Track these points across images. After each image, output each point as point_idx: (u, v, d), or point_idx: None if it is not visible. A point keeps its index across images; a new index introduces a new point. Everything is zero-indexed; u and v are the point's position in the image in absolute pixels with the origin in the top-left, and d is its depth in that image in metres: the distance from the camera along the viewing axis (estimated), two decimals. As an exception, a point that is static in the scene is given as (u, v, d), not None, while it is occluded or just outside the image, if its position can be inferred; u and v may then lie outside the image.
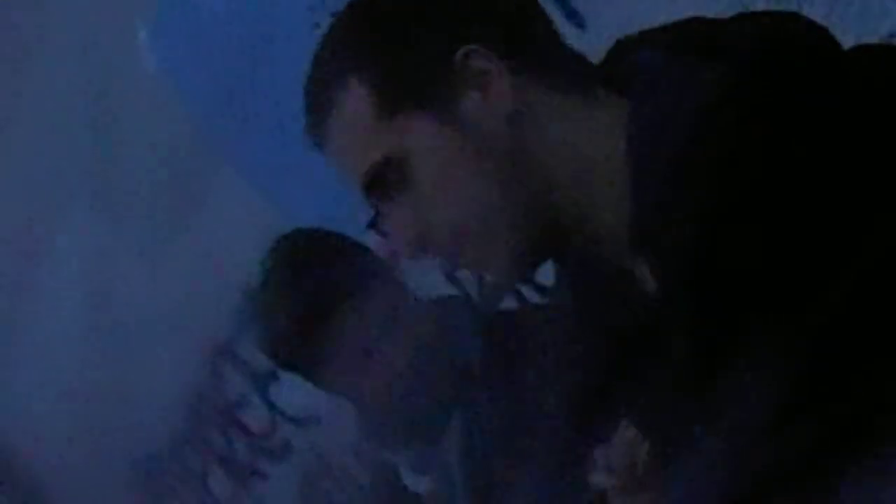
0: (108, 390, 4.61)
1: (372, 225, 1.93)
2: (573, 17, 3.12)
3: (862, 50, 1.64)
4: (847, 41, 1.65)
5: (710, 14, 1.71)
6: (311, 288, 2.42)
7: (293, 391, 4.15)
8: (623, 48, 1.72)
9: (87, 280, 4.57)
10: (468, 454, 2.45)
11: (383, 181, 1.64)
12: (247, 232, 3.93)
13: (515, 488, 2.28)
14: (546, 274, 1.91)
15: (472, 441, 2.44)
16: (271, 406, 4.31)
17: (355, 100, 1.65)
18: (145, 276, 4.44)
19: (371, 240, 3.16)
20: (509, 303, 2.92)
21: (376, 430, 2.62)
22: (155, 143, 4.23)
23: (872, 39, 2.65)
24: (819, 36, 1.61)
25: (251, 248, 4.05)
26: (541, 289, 2.66)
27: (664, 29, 1.70)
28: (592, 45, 2.88)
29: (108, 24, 4.15)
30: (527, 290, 2.83)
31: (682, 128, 1.53)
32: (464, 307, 2.75)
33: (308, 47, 3.74)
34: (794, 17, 1.63)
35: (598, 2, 3.12)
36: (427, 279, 2.84)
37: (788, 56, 1.56)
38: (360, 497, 4.15)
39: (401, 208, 1.65)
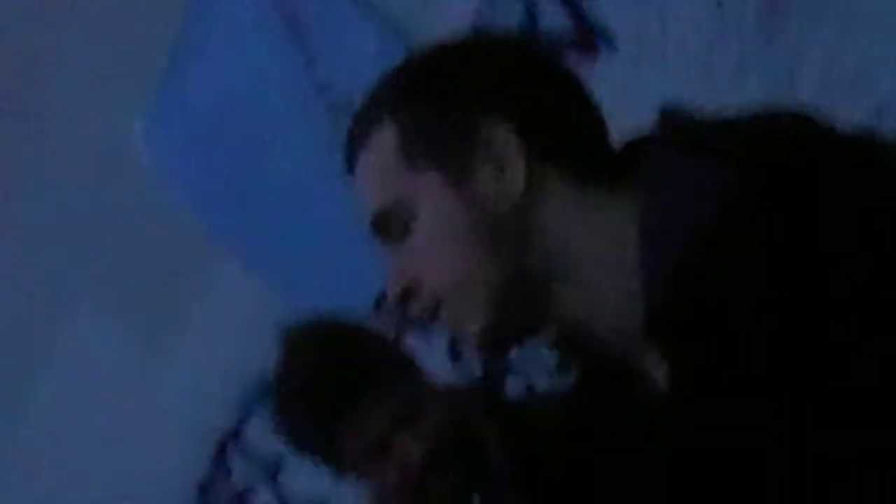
0: (118, 489, 4.59)
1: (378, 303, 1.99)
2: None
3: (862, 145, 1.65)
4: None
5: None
6: (330, 378, 2.39)
7: (301, 478, 4.16)
8: (634, 147, 1.72)
9: (91, 379, 4.58)
10: None
11: (388, 224, 1.67)
12: (251, 321, 4.06)
13: None
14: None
15: None
16: (280, 494, 4.28)
17: (384, 137, 1.67)
18: (150, 370, 4.45)
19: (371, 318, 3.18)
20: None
21: None
22: (154, 237, 4.26)
23: (865, 108, 2.69)
24: (828, 138, 1.60)
25: (256, 337, 3.83)
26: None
27: (676, 128, 1.70)
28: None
29: (104, 122, 4.21)
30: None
31: (694, 228, 1.54)
32: (476, 393, 2.72)
33: (302, 138, 3.78)
34: (807, 120, 1.63)
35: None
36: (430, 360, 2.83)
37: (799, 160, 1.55)
38: None
39: (397, 255, 1.68)
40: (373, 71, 3.18)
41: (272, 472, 4.30)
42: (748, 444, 1.54)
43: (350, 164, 1.74)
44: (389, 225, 1.68)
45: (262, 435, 4.19)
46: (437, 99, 1.67)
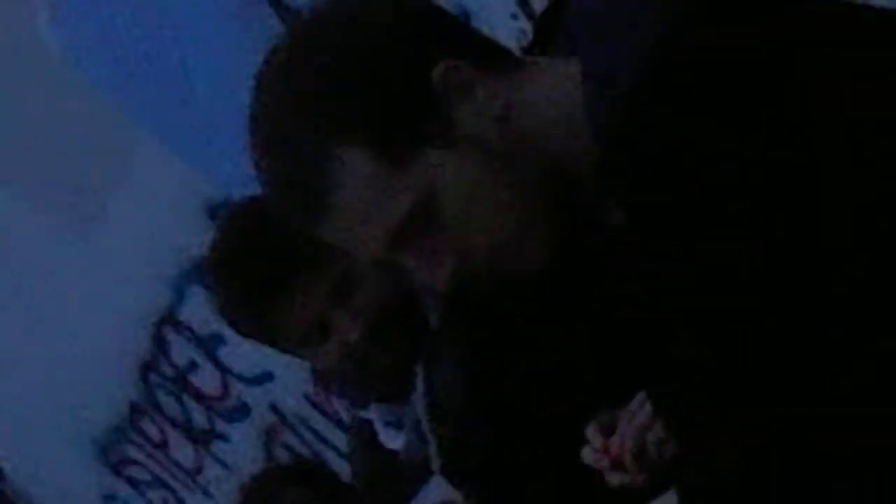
0: (56, 372, 4.66)
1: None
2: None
3: None
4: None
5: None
6: (264, 258, 2.34)
7: (242, 350, 4.17)
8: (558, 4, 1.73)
9: (14, 268, 4.59)
10: (432, 409, 2.38)
11: (413, 229, 1.60)
12: (175, 202, 4.08)
13: (486, 449, 2.29)
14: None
15: (435, 398, 2.37)
16: (222, 368, 4.35)
17: (355, 167, 1.60)
18: (77, 257, 4.46)
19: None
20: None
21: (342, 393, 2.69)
22: (70, 125, 4.25)
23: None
24: None
25: (182, 217, 4.07)
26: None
27: None
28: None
29: (8, 12, 4.17)
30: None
31: (633, 68, 1.54)
32: None
33: (211, 12, 3.75)
34: None
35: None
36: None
37: None
38: (324, 447, 4.26)
39: (433, 248, 1.62)
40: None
41: (212, 348, 4.37)
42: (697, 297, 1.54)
43: (320, 223, 1.64)
44: (414, 229, 1.61)
45: (199, 313, 4.27)
46: (381, 92, 1.61)
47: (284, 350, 2.52)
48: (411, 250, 1.61)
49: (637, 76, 1.55)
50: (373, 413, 2.52)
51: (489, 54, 1.65)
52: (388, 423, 2.50)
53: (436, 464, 2.39)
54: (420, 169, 1.61)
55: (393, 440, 2.50)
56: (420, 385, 2.36)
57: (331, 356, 2.37)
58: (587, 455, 1.98)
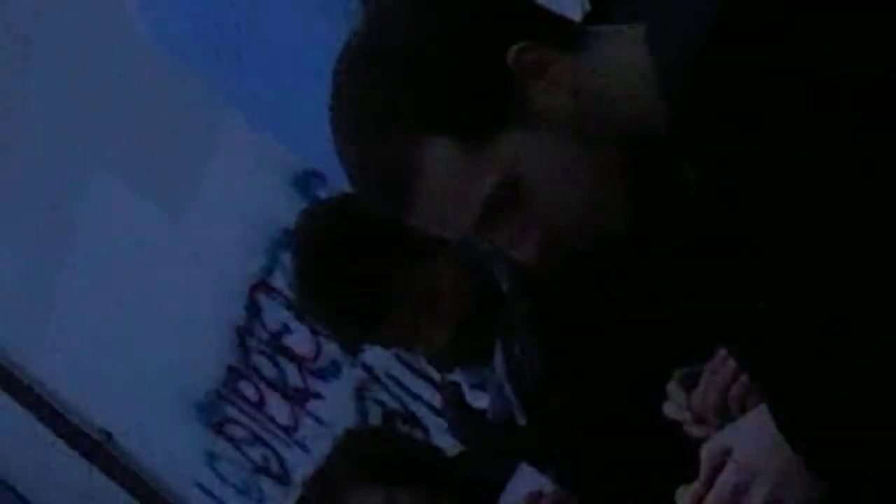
0: (157, 341, 4.76)
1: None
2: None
3: None
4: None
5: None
6: (355, 280, 2.37)
7: None
8: None
9: (115, 242, 4.67)
10: (511, 376, 2.48)
11: (499, 208, 1.64)
12: (262, 175, 4.18)
13: (566, 408, 2.34)
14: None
15: (514, 364, 2.47)
16: (314, 330, 4.38)
17: (439, 153, 1.63)
18: (172, 227, 4.53)
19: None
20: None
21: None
22: (161, 107, 4.31)
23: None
24: None
25: (269, 185, 4.19)
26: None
27: None
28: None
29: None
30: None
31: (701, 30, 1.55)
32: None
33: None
34: None
35: None
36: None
37: None
38: (414, 401, 4.32)
39: (521, 224, 1.65)
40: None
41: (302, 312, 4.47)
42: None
43: (408, 211, 1.66)
44: (501, 207, 1.64)
45: (289, 279, 4.46)
46: (458, 78, 1.62)
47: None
48: (499, 228, 1.65)
49: (707, 41, 1.54)
50: (458, 376, 2.60)
51: (557, 31, 1.67)
52: (473, 386, 2.57)
53: (521, 420, 2.49)
54: (501, 151, 1.63)
55: (479, 400, 2.58)
56: (499, 352, 2.46)
57: (425, 350, 2.46)
58: (669, 409, 2.02)
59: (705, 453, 1.75)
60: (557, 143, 1.64)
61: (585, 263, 1.92)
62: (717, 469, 1.73)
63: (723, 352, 1.98)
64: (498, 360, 2.49)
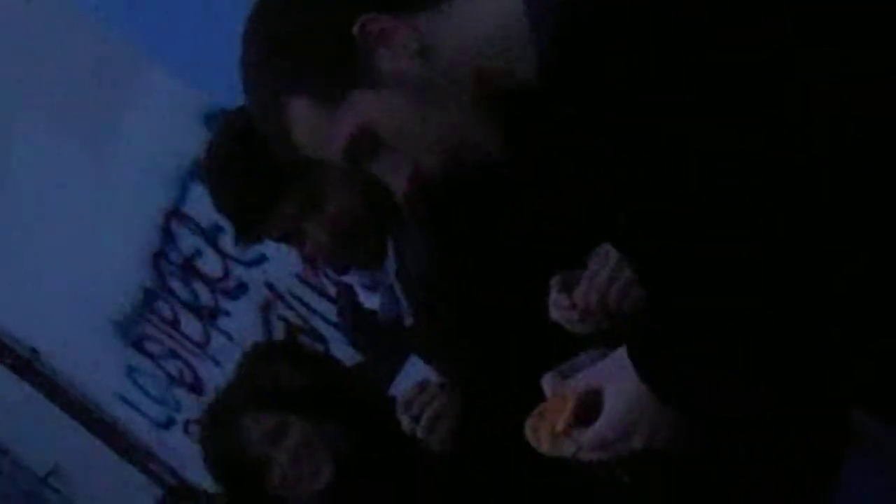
0: (80, 266, 4.81)
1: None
2: None
3: None
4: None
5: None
6: (252, 170, 2.39)
7: None
8: None
9: (46, 180, 4.72)
10: (401, 275, 2.50)
11: (362, 150, 1.74)
12: (176, 115, 4.27)
13: (451, 310, 2.39)
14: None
15: (403, 267, 2.49)
16: (223, 254, 4.50)
17: (298, 112, 1.75)
18: (97, 166, 4.59)
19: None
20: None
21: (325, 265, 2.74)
22: (86, 60, 4.38)
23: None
24: None
25: (181, 123, 4.26)
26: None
27: None
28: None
29: None
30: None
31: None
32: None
33: None
34: None
35: None
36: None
37: None
38: (314, 317, 4.42)
39: (388, 162, 1.75)
40: None
41: (213, 237, 4.50)
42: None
43: (290, 153, 1.78)
44: (364, 150, 1.74)
45: (200, 207, 4.39)
46: (311, 50, 1.72)
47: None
48: (372, 167, 1.75)
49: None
50: (351, 278, 2.62)
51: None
52: (365, 287, 2.61)
53: (408, 320, 2.54)
54: (352, 108, 1.72)
55: (370, 300, 2.61)
56: (391, 255, 2.50)
57: (308, 252, 2.49)
58: (554, 312, 2.07)
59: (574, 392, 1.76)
60: (406, 98, 1.71)
61: (461, 184, 1.96)
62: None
63: (599, 254, 2.04)
64: (390, 261, 2.52)
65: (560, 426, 1.75)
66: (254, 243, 2.57)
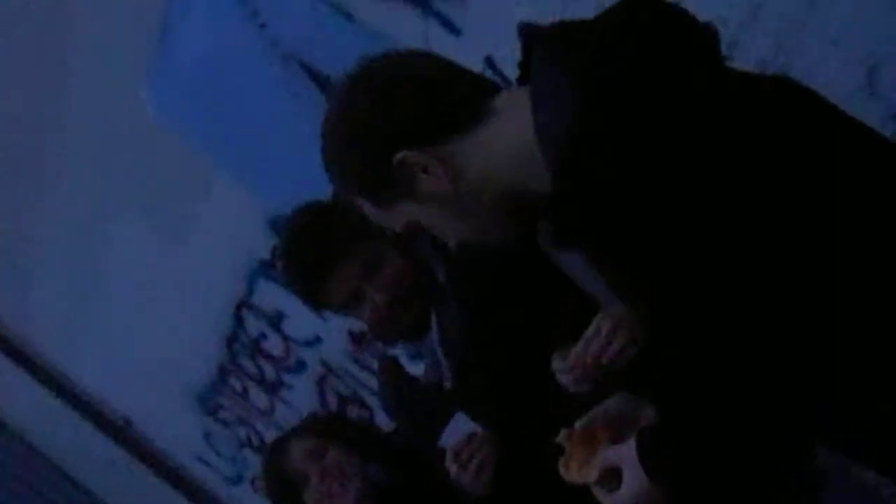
0: (166, 347, 5.10)
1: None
2: (449, 26, 3.39)
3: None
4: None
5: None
6: (313, 250, 2.52)
7: (299, 323, 4.61)
8: (527, 38, 1.77)
9: (138, 270, 5.01)
10: (443, 343, 2.58)
11: (413, 231, 1.85)
12: (246, 220, 4.53)
13: (484, 370, 2.49)
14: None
15: (444, 334, 2.57)
16: (284, 337, 4.79)
17: (363, 205, 1.88)
18: (174, 258, 4.86)
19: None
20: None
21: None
22: (166, 164, 4.65)
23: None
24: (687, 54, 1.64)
25: (250, 227, 4.53)
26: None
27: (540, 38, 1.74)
28: (466, 48, 3.14)
29: (117, 85, 4.56)
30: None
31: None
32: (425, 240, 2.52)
33: (264, 80, 4.21)
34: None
35: (470, 14, 3.30)
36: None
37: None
38: (362, 389, 4.63)
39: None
40: (313, 26, 3.42)
41: (277, 323, 4.79)
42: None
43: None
44: (414, 235, 1.86)
45: (266, 299, 4.67)
46: (363, 167, 1.82)
47: (336, 311, 2.65)
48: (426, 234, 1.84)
49: (573, 129, 1.63)
50: (399, 350, 2.75)
51: (446, 127, 1.75)
52: (409, 355, 2.76)
53: (448, 381, 2.60)
54: (399, 213, 1.85)
55: (414, 368, 2.74)
56: (434, 325, 2.59)
57: (366, 315, 2.56)
58: (559, 377, 2.15)
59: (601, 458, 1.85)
60: (440, 210, 1.81)
61: (484, 265, 2.24)
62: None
63: (595, 324, 2.10)
64: (434, 330, 2.58)
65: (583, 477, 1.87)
66: (322, 307, 2.60)
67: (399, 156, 1.75)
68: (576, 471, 1.89)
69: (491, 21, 3.17)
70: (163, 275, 4.86)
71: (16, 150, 4.94)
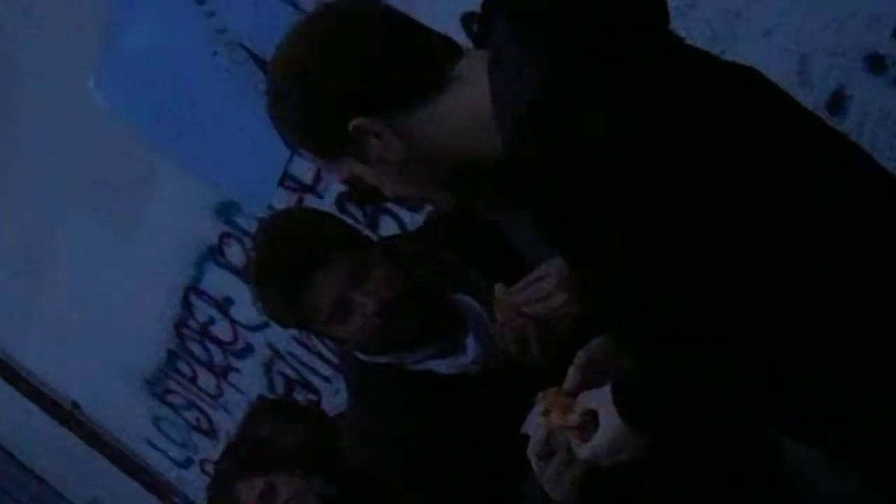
0: (115, 331, 5.07)
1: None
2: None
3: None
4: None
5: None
6: (291, 257, 2.35)
7: (247, 308, 4.09)
8: (487, 6, 1.76)
9: (85, 257, 4.98)
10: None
11: (355, 186, 1.84)
12: (192, 206, 4.54)
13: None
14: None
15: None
16: (233, 321, 4.74)
17: (310, 157, 1.88)
18: (123, 249, 4.85)
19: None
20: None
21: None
22: (113, 157, 4.65)
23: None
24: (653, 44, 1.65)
25: (197, 212, 4.53)
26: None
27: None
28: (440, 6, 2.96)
29: (68, 79, 4.57)
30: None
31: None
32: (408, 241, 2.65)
33: (210, 68, 4.27)
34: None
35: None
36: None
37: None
38: (308, 372, 4.62)
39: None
40: (260, 14, 3.42)
41: (225, 308, 4.75)
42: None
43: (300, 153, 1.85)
44: (354, 186, 1.82)
45: (214, 284, 4.68)
46: (313, 122, 1.79)
47: (317, 333, 2.54)
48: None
49: (528, 106, 1.61)
50: (416, 355, 2.44)
51: (401, 95, 1.73)
52: (434, 357, 2.46)
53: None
54: (343, 167, 1.85)
55: (446, 367, 2.44)
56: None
57: (353, 327, 2.36)
58: (497, 328, 2.16)
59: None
60: (385, 172, 1.81)
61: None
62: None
63: (541, 269, 2.05)
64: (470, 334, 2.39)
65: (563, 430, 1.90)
66: (304, 324, 2.42)
67: (354, 122, 1.73)
68: (557, 418, 1.91)
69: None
70: (111, 261, 4.81)
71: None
